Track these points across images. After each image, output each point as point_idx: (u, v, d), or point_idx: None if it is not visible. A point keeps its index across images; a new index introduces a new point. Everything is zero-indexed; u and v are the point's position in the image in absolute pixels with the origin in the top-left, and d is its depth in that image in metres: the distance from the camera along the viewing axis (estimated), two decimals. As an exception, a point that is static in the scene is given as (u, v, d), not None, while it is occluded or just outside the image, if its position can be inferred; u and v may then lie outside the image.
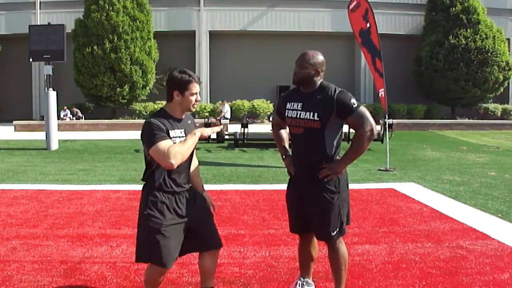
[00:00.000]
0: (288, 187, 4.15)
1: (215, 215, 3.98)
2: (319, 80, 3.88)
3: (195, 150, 3.84)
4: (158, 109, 3.76)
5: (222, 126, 3.52)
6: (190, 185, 3.81)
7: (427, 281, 4.52)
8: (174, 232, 3.59)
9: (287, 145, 4.27)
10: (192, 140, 3.52)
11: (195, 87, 3.58)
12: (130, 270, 4.79)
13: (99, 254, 5.31)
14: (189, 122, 3.77)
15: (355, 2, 12.59)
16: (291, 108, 3.94)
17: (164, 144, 3.42)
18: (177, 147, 3.43)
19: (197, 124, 3.99)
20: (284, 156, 4.18)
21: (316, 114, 3.76)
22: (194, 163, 3.94)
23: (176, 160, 3.40)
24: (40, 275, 4.64)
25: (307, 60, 3.85)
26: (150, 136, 3.46)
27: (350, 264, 4.10)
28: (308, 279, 4.23)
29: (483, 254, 5.33)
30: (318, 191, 3.80)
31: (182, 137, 3.59)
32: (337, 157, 3.88)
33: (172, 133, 3.53)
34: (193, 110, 3.68)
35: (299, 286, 4.19)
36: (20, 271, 4.73)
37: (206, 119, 20.77)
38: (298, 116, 3.87)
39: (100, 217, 6.90)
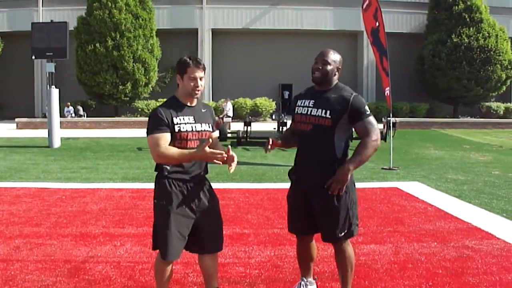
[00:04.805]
0: (290, 186, 4.08)
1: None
2: (335, 80, 3.86)
3: (216, 141, 3.88)
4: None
5: (224, 155, 3.41)
6: (205, 174, 3.79)
7: (434, 281, 4.50)
8: (181, 226, 3.57)
9: (287, 140, 4.11)
10: (189, 156, 3.44)
11: (193, 72, 3.53)
12: (134, 270, 4.77)
13: (103, 253, 5.29)
14: (204, 111, 3.73)
15: (367, 2, 12.62)
16: (302, 105, 3.90)
17: (156, 137, 3.46)
18: (170, 150, 3.43)
19: (215, 118, 3.98)
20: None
21: (328, 112, 3.72)
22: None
23: (159, 159, 3.48)
24: (43, 274, 4.62)
25: (330, 57, 3.82)
26: (150, 124, 3.52)
27: (355, 264, 4.05)
28: (310, 279, 4.20)
29: (489, 254, 5.30)
30: (326, 191, 3.72)
31: (191, 123, 3.58)
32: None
33: (176, 120, 3.53)
34: (195, 96, 3.61)
35: (302, 287, 4.16)
36: (24, 271, 4.71)
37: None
38: (308, 112, 3.81)
39: (103, 216, 6.88)
